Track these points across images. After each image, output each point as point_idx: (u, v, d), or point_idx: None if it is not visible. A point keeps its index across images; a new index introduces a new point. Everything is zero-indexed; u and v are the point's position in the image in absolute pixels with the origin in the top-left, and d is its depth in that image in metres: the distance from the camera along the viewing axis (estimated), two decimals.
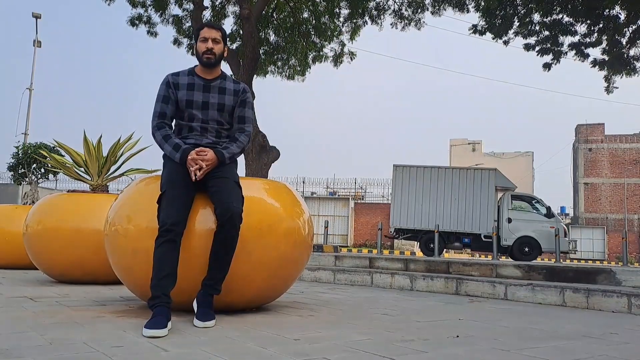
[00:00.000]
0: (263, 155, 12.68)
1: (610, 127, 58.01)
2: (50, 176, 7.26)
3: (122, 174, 5.09)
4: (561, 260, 14.28)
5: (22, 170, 7.02)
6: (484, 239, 15.29)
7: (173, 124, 2.96)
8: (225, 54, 2.99)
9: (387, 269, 5.75)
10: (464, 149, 66.75)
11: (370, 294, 4.50)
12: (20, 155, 6.98)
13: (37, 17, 20.90)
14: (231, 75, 4.45)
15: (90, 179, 4.97)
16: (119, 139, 4.88)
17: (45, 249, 4.48)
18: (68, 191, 4.85)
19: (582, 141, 55.01)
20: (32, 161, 7.04)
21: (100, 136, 4.86)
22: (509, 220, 15.28)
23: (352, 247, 33.93)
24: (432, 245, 15.34)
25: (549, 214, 15.36)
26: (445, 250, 16.14)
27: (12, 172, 7.09)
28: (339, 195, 44.86)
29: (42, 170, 7.09)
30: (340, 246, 33.35)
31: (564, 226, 15.42)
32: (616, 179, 53.34)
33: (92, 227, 4.34)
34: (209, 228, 2.67)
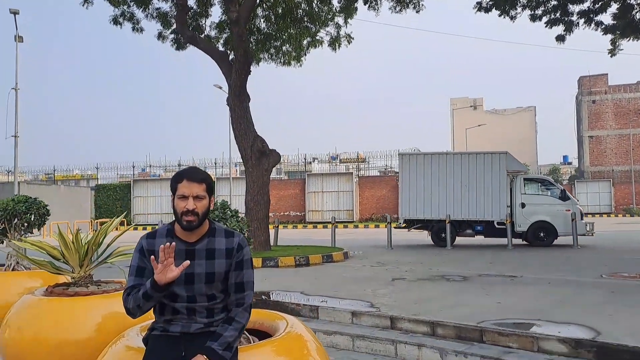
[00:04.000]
0: (263, 160, 12.01)
1: (613, 78, 56.59)
2: (35, 230, 6.62)
3: (105, 261, 4.47)
4: (578, 245, 13.76)
5: (2, 226, 6.38)
6: (497, 225, 14.73)
7: None
8: (211, 206, 2.32)
9: (411, 331, 5.19)
10: (465, 110, 65.50)
11: None
12: None
13: (15, 12, 19.77)
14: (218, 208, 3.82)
15: (71, 270, 4.35)
16: (99, 230, 4.24)
17: None
18: (47, 289, 4.24)
19: (586, 93, 53.81)
20: (12, 217, 6.40)
21: (78, 229, 4.22)
22: (523, 205, 14.68)
23: (357, 222, 33.52)
24: (443, 235, 14.83)
25: (564, 197, 14.73)
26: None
27: None
28: (340, 160, 44.21)
29: (25, 224, 6.45)
30: (346, 222, 32.96)
31: (580, 208, 14.82)
32: (621, 130, 52.44)
33: (78, 338, 3.80)
34: None
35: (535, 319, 5.26)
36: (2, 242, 6.54)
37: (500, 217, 14.51)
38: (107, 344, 3.01)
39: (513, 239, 14.25)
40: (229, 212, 3.78)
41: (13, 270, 6.08)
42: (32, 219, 6.53)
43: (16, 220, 6.51)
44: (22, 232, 6.58)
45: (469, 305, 6.01)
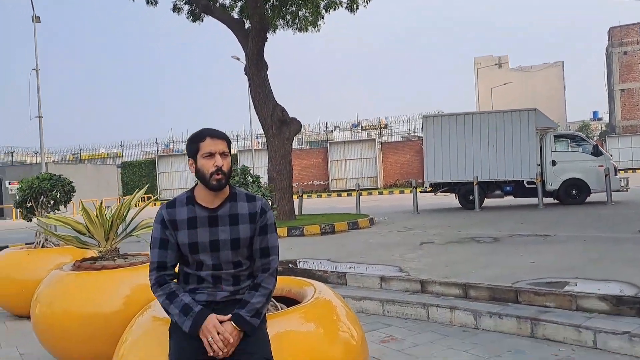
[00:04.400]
0: (284, 129, 11.85)
1: None
2: (62, 207, 6.66)
3: (130, 234, 4.44)
4: (612, 201, 13.35)
5: (30, 205, 6.44)
6: (527, 185, 14.36)
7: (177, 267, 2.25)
8: (231, 167, 2.20)
9: (442, 294, 5.07)
10: (489, 68, 63.69)
11: (429, 340, 3.83)
12: (25, 189, 6.37)
13: None
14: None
15: (97, 244, 4.34)
16: (122, 204, 4.19)
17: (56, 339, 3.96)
18: (75, 264, 4.23)
19: (616, 44, 51.57)
20: (38, 195, 6.44)
21: (101, 203, 4.17)
22: (554, 163, 14.25)
23: (382, 189, 33.29)
24: (471, 197, 14.56)
25: (597, 152, 14.22)
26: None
27: (19, 209, 6.51)
28: (362, 127, 43.73)
29: (52, 202, 6.48)
30: (370, 189, 32.78)
31: (614, 164, 14.30)
32: None
33: (106, 311, 3.81)
34: None
35: (572, 277, 5.08)
36: (31, 220, 6.61)
37: (530, 176, 14.14)
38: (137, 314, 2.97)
39: (544, 198, 13.90)
40: (250, 177, 3.68)
41: (42, 247, 6.15)
42: (58, 196, 6.56)
43: (42, 198, 6.56)
44: (49, 210, 6.63)
45: (502, 266, 5.85)
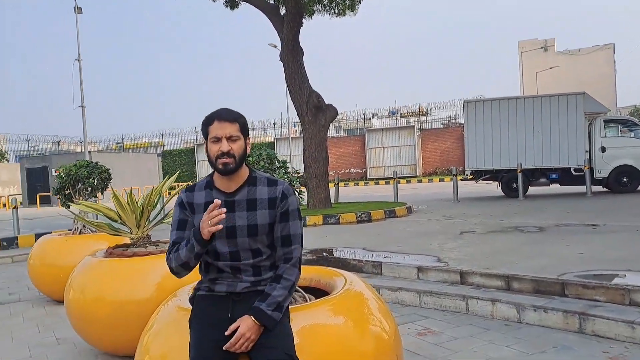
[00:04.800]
0: (320, 116, 11.68)
1: None
2: (99, 194, 6.73)
3: (162, 221, 4.39)
4: None
5: (68, 191, 6.53)
6: (574, 172, 13.73)
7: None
8: (248, 149, 2.06)
9: (483, 286, 4.83)
10: (535, 52, 61.42)
11: (469, 334, 3.63)
12: (63, 177, 6.46)
13: None
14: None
15: (129, 231, 4.32)
16: (152, 190, 4.14)
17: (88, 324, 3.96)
18: (107, 251, 4.22)
19: None
20: (76, 182, 6.52)
21: (131, 189, 4.14)
22: (603, 149, 13.55)
23: (421, 177, 32.73)
24: (514, 185, 14.05)
25: None
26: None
27: (58, 196, 6.62)
28: (401, 114, 43.02)
29: (89, 190, 6.56)
30: (408, 177, 32.27)
31: None
32: None
33: (136, 298, 3.78)
34: None
35: (624, 269, 4.73)
36: (69, 207, 6.72)
37: (578, 163, 13.50)
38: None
39: (592, 186, 13.27)
40: (277, 162, 3.57)
41: (80, 233, 6.23)
42: (95, 183, 6.64)
43: (80, 185, 6.65)
44: (86, 197, 6.73)
45: (547, 256, 5.54)
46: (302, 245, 2.11)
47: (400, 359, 2.49)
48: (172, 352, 2.31)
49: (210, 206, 1.88)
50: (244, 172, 2.07)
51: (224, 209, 1.87)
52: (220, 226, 1.86)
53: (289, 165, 4.22)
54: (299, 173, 9.63)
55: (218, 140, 1.98)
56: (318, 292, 2.76)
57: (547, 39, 65.06)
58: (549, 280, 4.44)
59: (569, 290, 4.30)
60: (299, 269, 2.08)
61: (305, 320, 2.20)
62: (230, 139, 1.98)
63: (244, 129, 2.04)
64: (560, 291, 4.34)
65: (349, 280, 2.67)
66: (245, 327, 1.88)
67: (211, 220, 1.86)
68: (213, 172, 2.13)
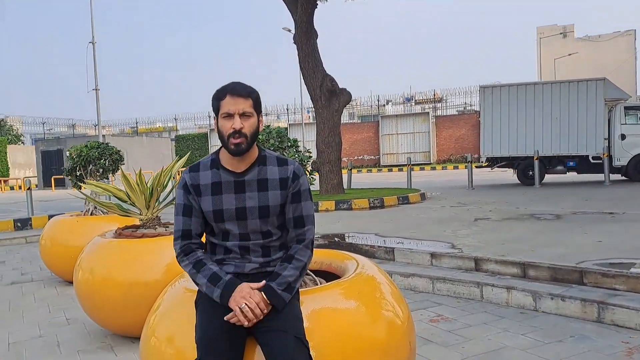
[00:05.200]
0: (333, 100, 11.54)
1: None
2: (110, 176, 6.72)
3: (172, 202, 4.33)
4: None
5: (80, 173, 6.52)
6: (592, 160, 13.46)
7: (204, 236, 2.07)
8: (261, 127, 1.96)
9: (498, 273, 4.72)
10: (553, 38, 60.22)
11: (483, 321, 3.53)
12: (74, 158, 6.44)
13: None
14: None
15: (138, 212, 4.27)
16: (162, 171, 4.08)
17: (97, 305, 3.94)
18: (116, 232, 4.18)
19: None
20: (87, 163, 6.51)
21: (140, 169, 4.08)
22: (623, 137, 13.24)
23: (435, 164, 32.44)
24: (531, 173, 13.82)
25: None
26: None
27: (69, 177, 6.61)
28: (415, 101, 42.61)
29: (101, 171, 6.54)
30: (422, 164, 32.00)
31: None
32: None
33: (145, 279, 3.75)
34: None
35: None
36: (80, 188, 6.71)
37: (597, 150, 13.23)
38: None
39: (610, 175, 12.99)
40: (287, 141, 3.42)
41: (92, 214, 6.22)
42: (106, 165, 6.62)
43: (91, 166, 6.64)
44: (98, 178, 6.72)
45: (564, 244, 5.40)
46: (314, 226, 2.03)
47: (413, 345, 2.40)
48: (179, 333, 2.25)
49: (254, 298, 1.80)
50: (254, 151, 1.97)
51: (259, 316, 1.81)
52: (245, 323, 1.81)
53: (300, 144, 4.12)
54: (310, 152, 9.44)
55: (230, 116, 1.88)
56: (329, 276, 2.68)
57: (567, 24, 63.73)
58: (567, 268, 4.31)
59: (587, 279, 4.18)
60: (312, 251, 2.00)
61: (316, 304, 2.13)
62: (243, 115, 1.88)
63: (257, 105, 1.94)
64: (579, 279, 4.22)
65: (361, 263, 2.59)
66: (256, 298, 1.81)
67: (241, 314, 1.79)
68: (218, 150, 2.04)
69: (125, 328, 3.91)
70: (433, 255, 5.27)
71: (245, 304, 1.79)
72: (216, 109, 1.93)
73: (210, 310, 1.89)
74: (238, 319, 1.80)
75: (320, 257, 2.80)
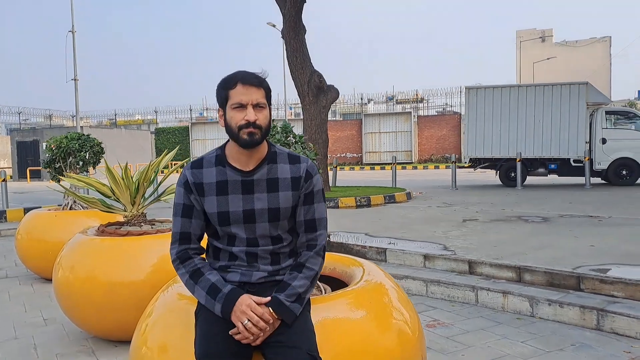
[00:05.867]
0: (321, 97, 11.38)
1: None
2: (92, 169, 6.44)
3: (158, 198, 4.13)
4: None
5: (59, 165, 6.24)
6: (573, 163, 13.58)
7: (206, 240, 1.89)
8: (271, 121, 1.79)
9: (493, 277, 4.64)
10: (532, 42, 61.04)
11: (480, 327, 3.42)
12: (53, 149, 6.16)
13: None
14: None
15: (123, 208, 4.05)
16: (149, 165, 3.87)
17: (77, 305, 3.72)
18: (99, 229, 3.96)
19: None
20: (67, 155, 6.23)
21: (126, 163, 3.87)
22: (603, 141, 13.39)
23: (416, 163, 32.55)
24: (513, 175, 13.89)
25: None
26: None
27: (48, 169, 6.32)
28: (397, 100, 42.67)
29: (81, 163, 6.27)
30: (404, 163, 32.08)
31: None
32: None
33: (130, 279, 3.55)
34: None
35: None
36: (59, 181, 6.42)
37: (578, 154, 13.35)
38: (162, 287, 2.67)
39: (591, 178, 13.14)
40: (292, 137, 3.28)
41: (71, 209, 5.96)
42: (87, 157, 6.34)
43: (71, 158, 6.35)
44: (78, 171, 6.43)
45: (556, 248, 5.35)
46: (326, 230, 1.87)
47: (425, 356, 2.28)
48: (173, 344, 2.08)
49: (256, 312, 1.64)
50: (263, 146, 1.80)
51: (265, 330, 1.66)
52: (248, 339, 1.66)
53: (305, 140, 3.92)
54: (316, 148, 9.18)
55: (242, 107, 1.70)
56: (332, 281, 2.53)
57: (545, 29, 64.70)
58: (564, 274, 4.25)
59: (585, 285, 4.12)
60: (323, 258, 1.84)
61: (324, 314, 1.98)
62: (256, 106, 1.71)
63: (269, 96, 1.77)
64: (576, 285, 4.15)
65: (367, 269, 2.45)
66: (263, 314, 1.65)
67: (245, 330, 1.64)
68: (224, 146, 1.86)
69: (107, 331, 3.71)
70: (426, 257, 5.17)
71: (248, 319, 1.64)
72: (224, 99, 1.75)
73: (212, 323, 1.71)
74: (243, 336, 1.64)
75: (324, 261, 2.65)
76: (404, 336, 2.14)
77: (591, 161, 13.34)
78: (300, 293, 1.72)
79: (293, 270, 1.78)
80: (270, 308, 1.67)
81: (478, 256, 4.99)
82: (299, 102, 11.99)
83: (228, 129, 1.74)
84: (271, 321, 1.66)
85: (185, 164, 2.04)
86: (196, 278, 1.75)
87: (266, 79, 1.77)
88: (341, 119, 40.71)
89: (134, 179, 3.94)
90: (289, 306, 1.69)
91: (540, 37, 63.01)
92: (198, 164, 1.83)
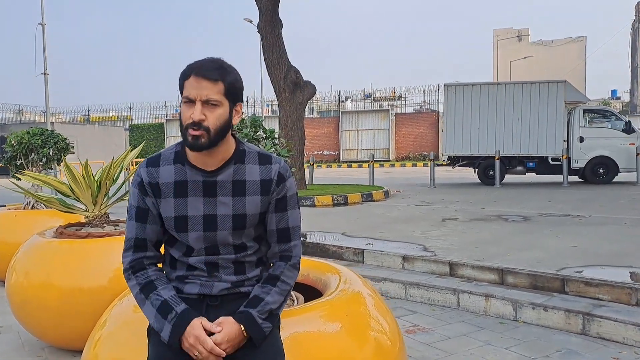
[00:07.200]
0: (297, 93, 11.15)
1: None
2: (55, 166, 6.10)
3: (123, 198, 3.86)
4: None
5: (20, 162, 5.89)
6: (551, 161, 13.62)
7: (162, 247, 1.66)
8: (238, 117, 1.55)
9: (474, 279, 4.48)
10: (509, 41, 61.73)
11: (462, 332, 3.25)
12: (14, 145, 5.81)
13: None
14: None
15: (84, 208, 3.77)
16: (111, 163, 3.61)
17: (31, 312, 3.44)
18: (58, 230, 3.67)
19: None
20: (29, 151, 5.88)
21: (87, 160, 3.60)
22: (581, 139, 13.46)
23: (394, 161, 32.54)
24: (491, 173, 13.88)
25: (629, 129, 13.38)
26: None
27: (8, 165, 5.96)
28: (374, 98, 42.62)
29: (44, 160, 5.93)
30: (382, 161, 32.05)
31: None
32: None
33: (89, 285, 3.29)
34: None
35: (625, 265, 4.45)
36: (19, 179, 6.07)
37: (556, 152, 13.39)
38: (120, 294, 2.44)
39: (568, 176, 13.20)
40: (262, 131, 3.07)
41: (32, 208, 5.63)
42: (50, 154, 6.00)
43: (33, 154, 6.00)
44: (41, 168, 6.09)
45: (539, 248, 5.24)
46: (301, 240, 1.65)
47: None
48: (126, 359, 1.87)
49: (205, 347, 1.43)
50: (229, 145, 1.56)
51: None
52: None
53: (276, 135, 3.68)
54: (290, 146, 8.97)
55: (191, 102, 1.47)
56: (305, 290, 2.32)
57: (522, 28, 65.53)
58: (548, 276, 4.12)
59: (569, 287, 3.99)
60: (298, 271, 1.62)
61: (296, 329, 1.78)
62: (207, 103, 1.46)
63: (232, 92, 1.50)
64: (560, 288, 4.02)
65: (344, 277, 2.25)
66: (231, 333, 1.43)
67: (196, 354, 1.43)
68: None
69: (65, 340, 3.45)
70: (405, 258, 4.99)
71: (197, 353, 1.43)
72: (180, 90, 1.52)
73: (165, 345, 1.48)
74: None
75: None
76: (383, 349, 1.95)
77: (569, 159, 13.39)
78: (273, 310, 1.51)
79: (266, 283, 1.56)
80: (242, 325, 1.45)
81: (459, 257, 4.83)
82: (276, 98, 11.74)
83: (180, 125, 1.51)
84: (230, 350, 1.44)
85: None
86: (147, 292, 1.52)
87: (235, 72, 1.53)
88: (318, 116, 40.48)
89: (95, 177, 3.66)
90: (261, 324, 1.47)
91: (517, 36, 63.81)
92: (154, 161, 1.60)
